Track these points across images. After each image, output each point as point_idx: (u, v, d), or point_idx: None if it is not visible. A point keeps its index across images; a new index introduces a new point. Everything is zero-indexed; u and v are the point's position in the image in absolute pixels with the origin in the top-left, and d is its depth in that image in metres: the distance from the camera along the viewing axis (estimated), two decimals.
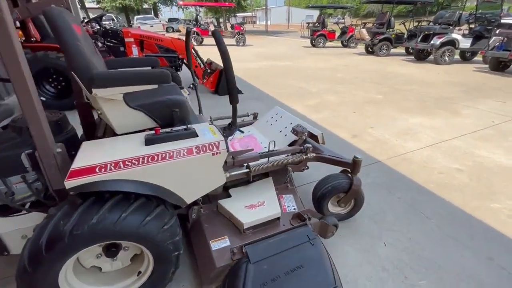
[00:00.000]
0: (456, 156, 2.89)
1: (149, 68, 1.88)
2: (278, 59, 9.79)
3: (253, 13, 47.88)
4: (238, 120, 2.59)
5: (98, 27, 4.38)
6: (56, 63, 3.63)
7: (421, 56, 9.52)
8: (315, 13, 14.85)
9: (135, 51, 4.27)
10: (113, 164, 1.11)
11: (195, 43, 13.88)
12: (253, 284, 1.15)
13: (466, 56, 9.25)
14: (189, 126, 1.36)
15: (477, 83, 6.16)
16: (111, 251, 1.24)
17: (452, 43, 8.33)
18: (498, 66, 7.40)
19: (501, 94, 5.25)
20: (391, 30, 10.50)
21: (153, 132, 1.28)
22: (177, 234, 1.27)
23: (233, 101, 1.28)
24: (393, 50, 10.78)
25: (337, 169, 1.90)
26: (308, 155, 1.77)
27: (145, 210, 1.16)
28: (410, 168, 2.65)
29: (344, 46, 13.88)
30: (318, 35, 13.46)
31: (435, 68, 8.14)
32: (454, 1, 22.72)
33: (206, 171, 1.31)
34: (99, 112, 1.39)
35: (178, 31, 22.48)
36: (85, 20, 5.57)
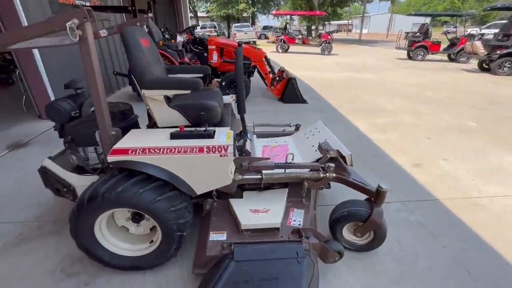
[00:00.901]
0: None
1: (194, 75, 2.19)
2: (361, 70, 9.19)
3: (349, 21, 45.86)
4: (280, 129, 2.69)
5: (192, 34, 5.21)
6: None
7: None
8: (427, 21, 13.04)
9: (214, 57, 4.88)
10: (141, 150, 1.41)
11: (280, 51, 14.42)
12: (227, 279, 1.25)
13: None
14: (209, 128, 1.56)
15: None
16: (135, 218, 1.57)
17: None
18: None
19: None
20: None
21: (178, 129, 1.54)
22: (182, 218, 1.48)
23: (240, 112, 1.41)
24: None
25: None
26: (327, 174, 1.72)
27: (159, 191, 1.42)
28: (477, 216, 2.16)
29: (452, 60, 11.76)
30: (417, 46, 11.84)
31: None
32: None
33: (213, 170, 1.48)
34: (147, 107, 1.75)
35: (267, 38, 23.91)
36: (183, 29, 6.66)
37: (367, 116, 4.51)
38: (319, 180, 1.74)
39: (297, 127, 2.62)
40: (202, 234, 1.66)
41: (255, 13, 32.19)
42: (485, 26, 20.90)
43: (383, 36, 30.61)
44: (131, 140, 1.50)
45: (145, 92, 1.55)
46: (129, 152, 1.41)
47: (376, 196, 1.64)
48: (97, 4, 5.23)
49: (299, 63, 10.91)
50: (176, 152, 1.42)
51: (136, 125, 2.02)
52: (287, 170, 1.75)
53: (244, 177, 1.67)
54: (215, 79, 5.54)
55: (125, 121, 1.92)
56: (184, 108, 1.67)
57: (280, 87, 5.14)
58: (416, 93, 6.17)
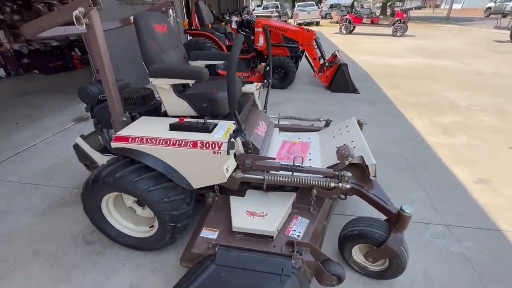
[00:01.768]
0: None
1: (217, 62, 2.10)
2: (438, 56, 7.73)
3: None
4: (307, 123, 2.44)
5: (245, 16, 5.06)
6: (204, 47, 4.62)
7: None
8: None
9: (261, 40, 4.68)
10: (140, 139, 1.43)
11: (344, 32, 13.14)
12: (202, 282, 1.20)
13: None
14: (209, 121, 1.48)
15: None
16: (139, 201, 1.63)
17: None
18: None
19: None
20: None
21: (178, 120, 1.50)
22: (177, 209, 1.48)
23: (231, 107, 1.28)
24: None
25: None
26: (341, 184, 1.48)
27: (154, 180, 1.43)
28: None
29: None
30: None
31: None
32: None
33: (207, 166, 1.41)
34: (157, 96, 1.76)
35: (331, 18, 22.00)
36: (234, 11, 6.54)
37: (430, 113, 3.79)
38: (330, 189, 1.51)
39: (328, 123, 2.33)
40: (198, 227, 1.65)
41: None
42: None
43: (481, 12, 24.92)
44: (135, 128, 1.53)
45: (152, 80, 1.55)
46: (129, 140, 1.44)
47: (396, 220, 1.34)
48: None
49: (361, 46, 9.76)
50: (171, 144, 1.40)
51: (156, 111, 2.07)
52: (294, 174, 1.56)
53: (246, 175, 1.55)
54: (262, 63, 5.38)
55: (145, 106, 1.98)
56: (190, 97, 1.61)
57: (330, 74, 4.69)
58: (509, 87, 4.90)
